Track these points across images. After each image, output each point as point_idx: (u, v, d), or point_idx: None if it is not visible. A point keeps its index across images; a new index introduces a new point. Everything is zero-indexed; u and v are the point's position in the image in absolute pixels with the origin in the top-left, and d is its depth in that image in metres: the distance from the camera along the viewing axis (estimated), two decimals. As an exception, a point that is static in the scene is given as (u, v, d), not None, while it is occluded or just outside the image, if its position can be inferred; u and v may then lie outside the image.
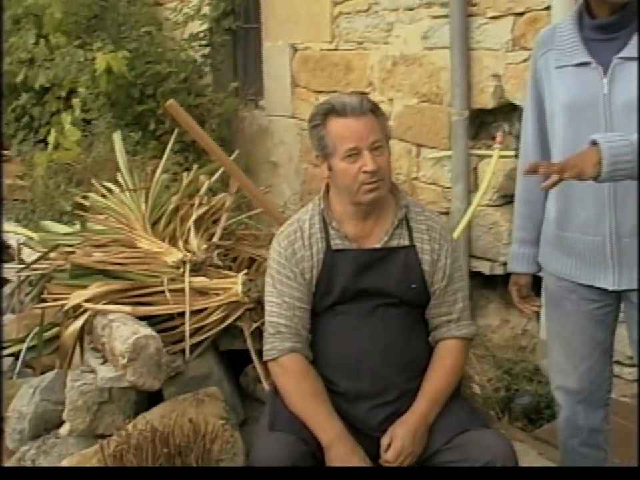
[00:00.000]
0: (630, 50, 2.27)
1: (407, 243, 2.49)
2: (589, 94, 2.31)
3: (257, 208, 3.46)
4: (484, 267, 4.30)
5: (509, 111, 4.09)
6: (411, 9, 4.42)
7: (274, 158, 5.83)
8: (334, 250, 2.46)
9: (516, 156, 3.98)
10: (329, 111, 2.42)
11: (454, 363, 2.48)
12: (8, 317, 3.47)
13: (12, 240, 3.94)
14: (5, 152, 6.15)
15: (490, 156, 4.04)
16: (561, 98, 2.37)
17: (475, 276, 4.32)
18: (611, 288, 2.38)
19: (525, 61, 3.89)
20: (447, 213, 4.35)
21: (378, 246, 2.47)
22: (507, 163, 3.99)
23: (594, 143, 2.15)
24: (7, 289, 3.66)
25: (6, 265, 3.73)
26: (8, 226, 4.10)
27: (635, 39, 2.27)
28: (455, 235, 3.97)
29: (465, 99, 4.16)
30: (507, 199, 4.08)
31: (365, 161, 2.37)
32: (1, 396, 2.82)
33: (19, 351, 3.06)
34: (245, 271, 2.96)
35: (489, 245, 4.23)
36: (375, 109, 2.44)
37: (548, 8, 3.76)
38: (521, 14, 3.94)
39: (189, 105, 5.61)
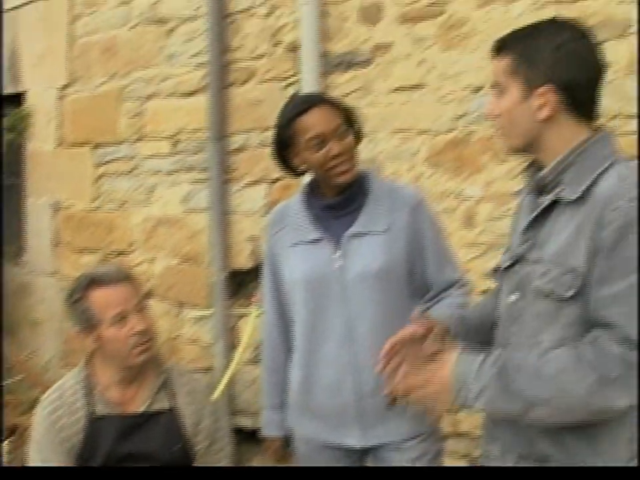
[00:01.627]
0: (358, 226, 2.45)
1: (168, 406, 2.53)
2: (324, 269, 2.45)
3: (19, 374, 3.37)
4: (247, 422, 4.36)
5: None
6: (172, 173, 4.56)
7: (35, 316, 5.68)
8: (97, 416, 2.46)
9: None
10: (89, 283, 2.46)
11: None
12: None
13: None
14: None
15: (248, 314, 4.16)
16: (297, 273, 2.49)
17: (239, 431, 4.35)
18: (358, 446, 2.49)
19: (278, 225, 4.10)
20: (208, 371, 4.40)
21: (141, 410, 2.50)
22: (263, 320, 4.10)
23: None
24: None
25: None
26: None
27: (361, 215, 2.46)
28: (217, 392, 4.01)
29: (223, 259, 4.31)
30: (265, 356, 4.17)
31: (133, 323, 2.42)
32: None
33: None
34: (8, 440, 2.86)
35: (251, 400, 4.30)
36: (130, 276, 2.52)
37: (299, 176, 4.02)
38: (275, 181, 4.20)
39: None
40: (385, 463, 2.51)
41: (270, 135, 3.86)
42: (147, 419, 2.50)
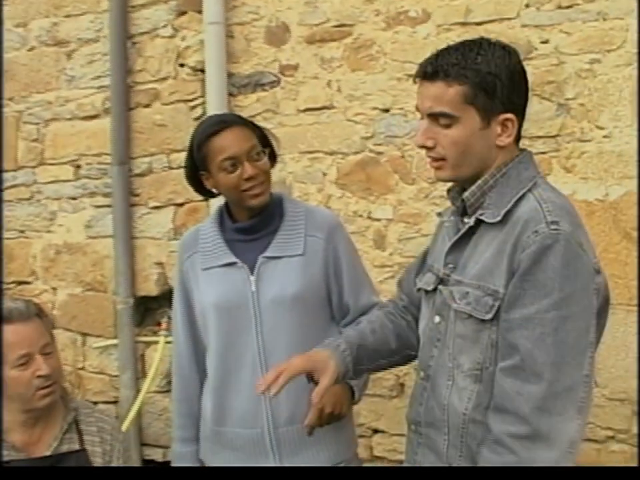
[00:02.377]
0: (273, 250, 2.39)
1: (77, 446, 2.40)
2: (239, 292, 2.38)
3: None
4: (156, 454, 4.23)
5: (172, 297, 4.14)
6: (74, 198, 4.43)
7: None
8: (1, 462, 2.30)
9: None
10: None
11: None
12: None
13: None
14: None
15: (156, 342, 4.07)
16: (210, 298, 2.41)
17: (148, 464, 4.22)
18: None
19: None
20: (115, 402, 4.26)
21: (48, 453, 2.35)
22: (173, 349, 4.00)
23: None
24: None
25: None
26: None
27: (276, 239, 2.40)
28: (126, 424, 3.90)
29: (129, 286, 4.19)
30: (175, 385, 4.07)
31: (38, 365, 2.28)
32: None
33: None
34: None
35: (160, 431, 4.19)
36: (40, 313, 2.39)
37: (207, 199, 3.95)
38: (182, 204, 4.12)
39: None
40: None
41: (175, 157, 3.81)
42: (55, 461, 2.35)
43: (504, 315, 1.75)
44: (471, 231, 1.88)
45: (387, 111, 3.63)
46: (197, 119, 3.99)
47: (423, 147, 1.89)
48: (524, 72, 1.86)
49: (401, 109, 3.60)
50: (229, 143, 2.33)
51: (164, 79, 4.15)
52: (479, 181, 1.86)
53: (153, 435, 4.20)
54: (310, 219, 2.45)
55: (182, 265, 2.54)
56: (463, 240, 1.90)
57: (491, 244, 1.81)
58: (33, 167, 4.57)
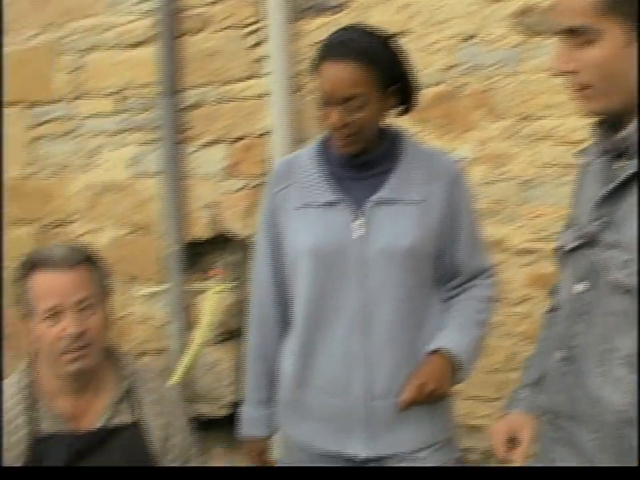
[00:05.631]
0: (387, 191, 2.04)
1: (131, 419, 2.11)
2: (340, 237, 2.04)
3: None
4: (206, 409, 3.99)
5: (225, 241, 3.89)
6: (117, 134, 4.13)
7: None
8: (43, 435, 2.02)
9: (235, 288, 3.80)
10: (34, 263, 2.03)
11: None
12: None
13: None
14: None
15: (207, 290, 3.81)
16: (304, 241, 2.07)
17: (197, 419, 3.99)
18: (362, 455, 2.09)
19: (241, 189, 3.74)
20: (162, 353, 4.01)
21: (97, 426, 2.07)
22: (225, 298, 3.76)
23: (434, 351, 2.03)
24: None
25: None
26: None
27: (391, 180, 2.06)
28: (175, 377, 3.66)
29: (178, 229, 3.92)
30: (226, 336, 3.85)
31: (66, 323, 1.99)
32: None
33: None
34: None
35: (211, 385, 3.95)
36: (88, 261, 2.08)
37: (264, 135, 3.67)
38: (236, 140, 3.82)
39: None
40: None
41: (228, 89, 3.48)
42: (105, 436, 2.06)
43: None
44: (630, 179, 1.52)
45: (469, 38, 3.26)
46: (252, 46, 3.67)
47: (563, 72, 1.53)
48: None
49: (485, 36, 3.24)
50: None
51: (215, 2, 3.81)
52: None
53: (203, 388, 3.97)
54: (433, 162, 2.11)
55: (271, 200, 2.18)
56: (620, 189, 1.54)
57: None
58: (71, 100, 4.29)
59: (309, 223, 2.08)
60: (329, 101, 1.98)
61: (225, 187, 3.81)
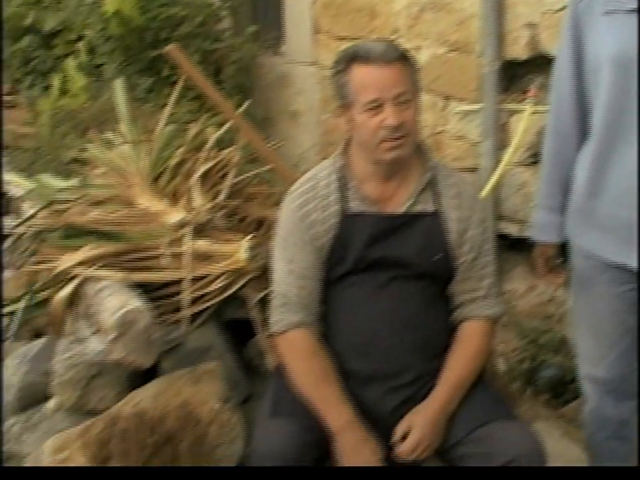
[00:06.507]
0: None
1: (432, 208, 2.24)
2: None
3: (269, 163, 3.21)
4: (512, 229, 4.03)
5: (543, 63, 3.78)
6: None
7: (293, 107, 5.55)
8: (351, 213, 2.22)
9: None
10: (353, 57, 2.17)
11: (479, 347, 2.24)
12: (8, 274, 3.26)
13: (14, 190, 3.72)
14: (11, 97, 5.89)
15: (522, 111, 3.77)
16: (609, 49, 2.01)
17: (502, 238, 4.07)
18: None
19: (562, 9, 3.60)
20: (474, 170, 4.08)
21: (400, 211, 2.23)
22: (540, 119, 3.70)
23: None
24: (6, 244, 3.45)
25: (5, 219, 3.50)
26: (8, 176, 3.85)
27: None
28: (483, 194, 3.74)
29: (496, 49, 3.85)
30: (538, 158, 3.78)
31: (386, 114, 2.11)
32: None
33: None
34: (252, 235, 2.71)
35: (518, 206, 3.96)
36: (404, 58, 2.18)
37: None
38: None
39: (205, 51, 5.34)
40: None
41: None
42: (406, 220, 2.23)
43: None
44: None
45: None
46: None
47: None
48: None
49: None
50: None
51: None
52: None
53: (510, 208, 4.00)
54: None
55: (576, 6, 2.14)
56: None
57: None
58: None
59: (615, 30, 2.01)
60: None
61: (546, 5, 3.66)
